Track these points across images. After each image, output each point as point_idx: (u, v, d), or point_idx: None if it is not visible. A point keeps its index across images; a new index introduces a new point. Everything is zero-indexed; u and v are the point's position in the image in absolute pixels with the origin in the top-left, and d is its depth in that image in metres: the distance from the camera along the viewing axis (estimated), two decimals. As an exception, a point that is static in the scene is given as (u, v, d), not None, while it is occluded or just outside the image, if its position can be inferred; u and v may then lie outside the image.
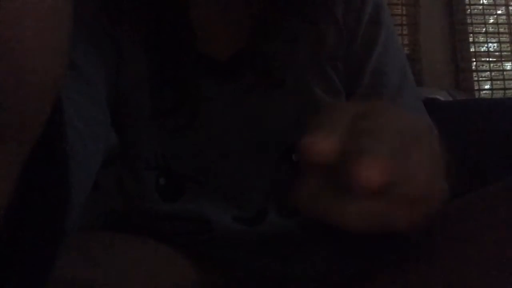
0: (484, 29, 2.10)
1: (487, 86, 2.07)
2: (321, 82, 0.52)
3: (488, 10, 2.11)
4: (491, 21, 2.13)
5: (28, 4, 0.15)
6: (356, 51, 0.53)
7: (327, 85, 0.52)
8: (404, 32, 1.93)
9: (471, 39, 2.02)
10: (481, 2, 2.10)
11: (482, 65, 2.07)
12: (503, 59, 2.10)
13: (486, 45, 2.09)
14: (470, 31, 2.02)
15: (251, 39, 0.51)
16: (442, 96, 1.48)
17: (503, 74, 2.09)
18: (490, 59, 2.08)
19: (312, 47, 0.52)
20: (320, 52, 0.52)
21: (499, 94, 2.04)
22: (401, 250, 0.38)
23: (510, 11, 2.13)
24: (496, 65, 2.09)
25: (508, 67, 2.13)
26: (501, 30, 2.11)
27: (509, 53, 2.11)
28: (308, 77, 0.51)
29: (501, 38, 2.10)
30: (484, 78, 2.06)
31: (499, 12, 2.14)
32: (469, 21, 2.01)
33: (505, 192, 0.34)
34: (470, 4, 2.04)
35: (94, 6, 0.50)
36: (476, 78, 2.02)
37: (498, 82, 2.07)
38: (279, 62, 0.50)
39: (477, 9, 2.08)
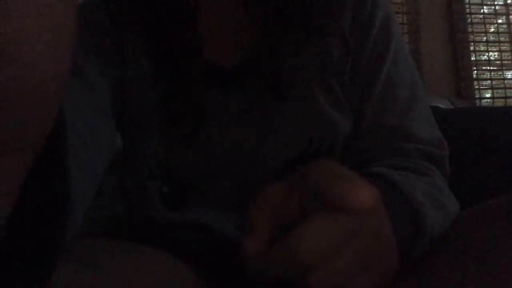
0: (485, 38, 2.10)
1: (488, 95, 2.07)
2: (326, 95, 0.51)
3: (488, 19, 2.12)
4: (492, 30, 2.14)
5: (31, 15, 0.15)
6: (365, 64, 0.53)
7: (332, 99, 0.52)
8: (405, 41, 1.94)
9: (472, 48, 2.02)
10: (482, 11, 2.11)
11: (483, 74, 2.07)
12: (504, 67, 2.11)
13: (487, 53, 2.10)
14: (471, 39, 2.02)
15: (256, 49, 0.51)
16: (443, 104, 1.48)
17: (504, 83, 2.09)
18: (491, 68, 2.09)
19: (318, 59, 0.51)
20: (325, 65, 0.52)
21: (500, 103, 2.04)
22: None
23: (510, 20, 2.14)
24: (497, 74, 2.10)
25: (509, 76, 2.14)
26: (502, 39, 2.12)
27: (510, 62, 2.11)
28: (313, 90, 0.51)
29: (501, 47, 2.11)
30: (485, 87, 2.06)
31: (499, 21, 2.15)
32: (470, 30, 2.02)
33: (505, 206, 0.34)
34: (471, 13, 2.05)
35: (101, 15, 0.50)
36: (477, 87, 2.02)
37: (499, 90, 2.07)
38: (284, 73, 0.50)
39: (478, 18, 2.09)
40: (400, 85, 0.53)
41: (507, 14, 2.14)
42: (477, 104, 1.98)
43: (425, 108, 0.54)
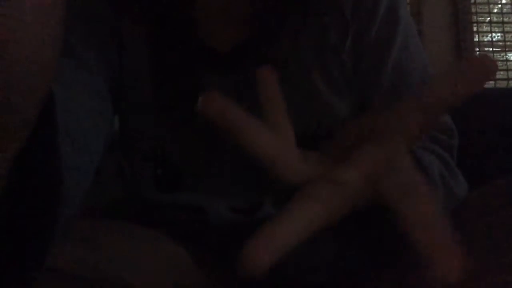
0: (488, 19, 2.08)
1: (490, 76, 2.06)
2: (324, 78, 0.51)
3: (492, -1, 2.10)
4: (496, 10, 2.11)
5: (17, 7, 0.15)
6: (372, 48, 0.52)
7: (330, 81, 0.51)
8: (408, 21, 1.92)
9: (475, 29, 2.00)
10: (486, -10, 2.09)
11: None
12: (507, 49, 2.09)
13: (490, 34, 2.08)
14: (474, 20, 2.00)
15: (253, 31, 0.50)
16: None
17: (506, 64, 2.08)
18: (494, 49, 2.07)
19: (316, 41, 0.51)
20: (323, 47, 0.51)
21: (502, 84, 2.03)
22: (401, 248, 0.38)
23: (515, 0, 2.11)
24: (499, 55, 2.08)
25: (512, 57, 2.12)
26: (506, 19, 2.10)
27: (513, 43, 2.10)
28: (310, 72, 0.51)
29: (505, 28, 2.09)
30: (487, 68, 2.04)
31: (504, 1, 2.12)
32: (473, 10, 2.00)
33: (503, 194, 0.34)
34: (474, -7, 2.03)
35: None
36: (479, 68, 2.00)
37: (502, 72, 2.06)
38: (281, 55, 0.50)
39: (482, -2, 2.07)
40: (411, 71, 0.52)
41: (512, -6, 2.11)
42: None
43: None
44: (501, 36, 2.10)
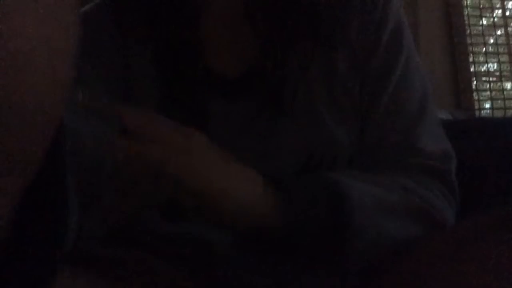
0: (484, 49, 2.11)
1: (487, 106, 2.07)
2: (331, 110, 0.51)
3: (487, 31, 2.13)
4: (491, 41, 2.15)
5: (30, 40, 0.15)
6: (373, 76, 0.52)
7: (337, 113, 0.51)
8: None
9: (471, 59, 2.03)
10: (481, 23, 2.13)
11: (483, 85, 2.08)
12: (503, 78, 2.11)
13: (486, 65, 2.10)
14: (470, 51, 2.03)
15: (259, 59, 0.51)
16: (443, 115, 1.48)
17: (503, 94, 2.10)
18: (490, 79, 2.09)
19: (323, 72, 0.51)
20: (331, 78, 0.51)
21: (499, 113, 2.05)
22: (396, 275, 0.38)
23: (509, 32, 2.15)
24: (496, 85, 2.10)
25: (508, 87, 2.15)
26: (501, 50, 2.13)
27: (509, 73, 2.12)
28: (317, 104, 0.51)
29: (500, 58, 2.12)
30: (484, 98, 2.07)
31: (498, 33, 2.16)
32: (469, 41, 2.03)
33: (495, 222, 0.34)
34: (469, 25, 2.06)
35: (105, 22, 0.51)
36: (476, 98, 2.02)
37: (499, 101, 2.07)
38: (288, 86, 0.50)
39: (477, 30, 2.10)
40: (408, 98, 0.52)
41: (506, 26, 2.15)
42: (477, 115, 1.98)
43: (433, 120, 0.53)
44: (497, 66, 2.12)
